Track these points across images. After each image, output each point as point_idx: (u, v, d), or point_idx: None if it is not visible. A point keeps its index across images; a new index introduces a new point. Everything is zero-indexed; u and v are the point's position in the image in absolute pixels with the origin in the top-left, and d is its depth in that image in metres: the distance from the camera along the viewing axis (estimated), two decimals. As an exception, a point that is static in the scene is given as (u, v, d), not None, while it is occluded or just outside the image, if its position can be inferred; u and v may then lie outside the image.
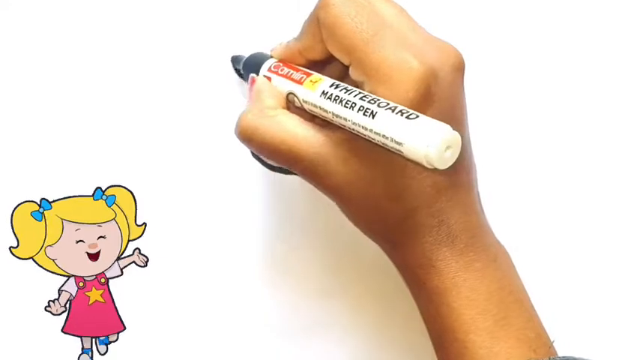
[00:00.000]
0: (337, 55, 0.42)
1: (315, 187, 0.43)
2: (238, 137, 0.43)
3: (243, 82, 0.51)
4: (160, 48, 0.53)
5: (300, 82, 0.43)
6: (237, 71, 0.52)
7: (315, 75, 0.44)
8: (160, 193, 0.53)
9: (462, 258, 0.41)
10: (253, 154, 0.53)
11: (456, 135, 0.38)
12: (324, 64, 0.45)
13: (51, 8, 0.52)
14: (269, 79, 0.46)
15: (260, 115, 0.43)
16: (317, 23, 0.42)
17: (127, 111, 0.53)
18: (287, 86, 0.44)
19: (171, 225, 0.53)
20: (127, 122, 0.53)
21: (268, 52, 0.48)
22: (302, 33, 0.44)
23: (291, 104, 0.45)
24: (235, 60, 0.52)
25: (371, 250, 0.49)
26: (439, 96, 0.39)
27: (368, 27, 0.40)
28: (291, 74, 0.44)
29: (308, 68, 0.45)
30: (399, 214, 0.41)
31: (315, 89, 0.42)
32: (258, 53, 0.48)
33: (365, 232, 0.44)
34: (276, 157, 0.43)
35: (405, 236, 0.42)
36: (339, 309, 0.54)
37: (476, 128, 0.44)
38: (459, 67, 0.41)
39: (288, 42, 0.46)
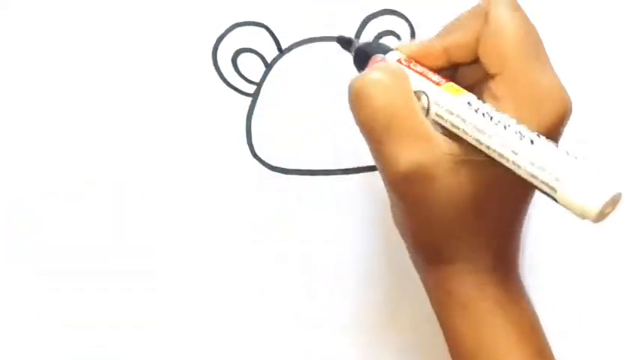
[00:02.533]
0: (487, 59, 0.40)
1: (386, 178, 0.40)
2: (355, 89, 0.39)
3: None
4: (163, 50, 0.53)
5: (437, 83, 0.40)
6: (342, 42, 0.47)
7: (455, 85, 0.40)
8: (163, 197, 0.53)
9: (502, 286, 0.41)
10: (254, 155, 0.53)
11: (621, 193, 0.35)
12: (452, 71, 0.42)
13: (51, 8, 0.52)
14: None
15: (392, 74, 0.39)
16: (483, 20, 0.40)
17: (130, 113, 0.53)
18: (419, 84, 0.40)
19: (175, 229, 0.53)
20: (130, 125, 0.53)
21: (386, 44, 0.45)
22: (453, 27, 0.42)
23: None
24: (344, 40, 0.47)
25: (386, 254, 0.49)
26: (562, 131, 0.40)
27: (534, 45, 0.40)
28: (427, 74, 0.41)
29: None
30: (468, 229, 0.40)
31: (459, 96, 0.39)
32: (375, 42, 0.45)
33: (411, 239, 0.42)
34: (374, 130, 0.39)
35: (456, 252, 0.41)
36: (347, 318, 0.54)
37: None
38: (570, 114, 0.41)
39: (423, 40, 0.43)
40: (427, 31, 0.54)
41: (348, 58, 0.54)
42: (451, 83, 0.40)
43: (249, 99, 0.54)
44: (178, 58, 0.53)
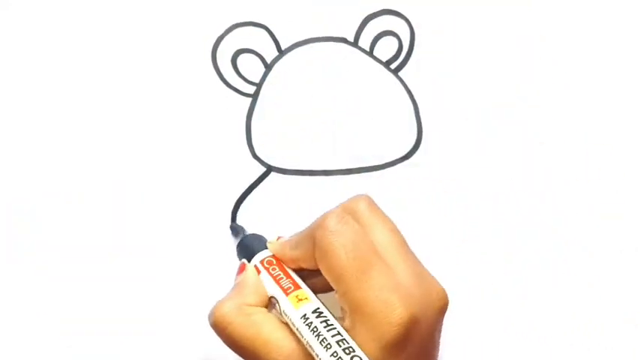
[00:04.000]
0: (326, 277, 0.42)
1: None
2: (210, 323, 0.44)
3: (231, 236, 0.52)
4: (163, 50, 0.53)
5: (286, 292, 0.43)
6: (232, 230, 0.52)
7: (303, 291, 0.43)
8: (163, 198, 0.53)
9: None
10: (254, 155, 0.53)
11: None
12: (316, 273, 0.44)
13: (51, 8, 0.52)
14: (259, 271, 0.45)
15: (237, 311, 0.43)
16: (312, 241, 0.42)
17: (130, 113, 0.53)
18: (273, 290, 0.44)
19: (175, 229, 0.53)
20: (130, 125, 0.53)
21: (266, 237, 0.47)
22: (297, 242, 0.44)
23: (272, 305, 0.44)
24: (234, 230, 0.52)
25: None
26: (416, 340, 0.40)
27: (359, 262, 0.40)
28: (280, 279, 0.44)
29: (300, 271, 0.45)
30: None
31: (299, 308, 0.42)
32: (256, 236, 0.48)
33: None
34: (243, 356, 0.43)
35: None
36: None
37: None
38: (442, 310, 0.42)
39: (284, 240, 0.46)
40: (427, 31, 0.54)
41: (347, 58, 0.54)
42: (297, 292, 0.43)
43: (249, 99, 0.54)
44: (178, 58, 0.53)
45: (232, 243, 0.52)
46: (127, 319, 0.52)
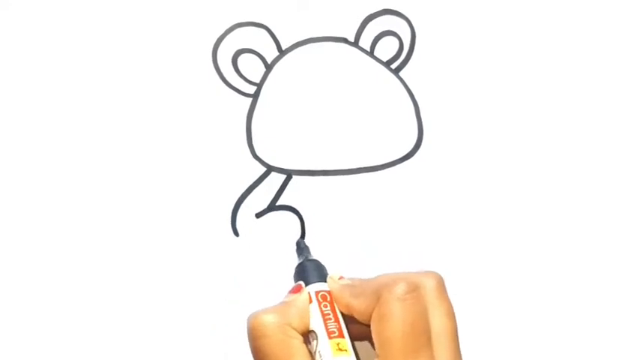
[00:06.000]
0: (373, 336, 0.42)
1: None
2: (247, 326, 0.43)
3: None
4: (163, 50, 0.53)
5: (329, 334, 0.43)
6: (297, 247, 0.50)
7: (345, 341, 0.43)
8: (163, 198, 0.53)
9: None
10: (254, 155, 0.53)
11: None
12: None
13: (51, 8, 0.53)
14: (310, 300, 0.45)
15: (278, 328, 0.43)
16: (375, 299, 0.42)
17: (130, 113, 0.53)
18: (317, 325, 0.43)
19: (175, 229, 0.53)
20: (130, 125, 0.53)
21: (327, 269, 0.47)
22: (359, 294, 0.44)
23: (309, 339, 0.44)
24: (299, 247, 0.50)
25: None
26: None
27: (411, 340, 0.40)
28: (329, 319, 0.44)
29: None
30: None
31: (335, 357, 0.42)
32: (318, 265, 0.47)
33: None
34: (264, 356, 0.43)
35: None
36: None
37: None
38: None
39: (346, 283, 0.45)
40: (427, 31, 0.54)
41: (347, 58, 0.55)
42: (340, 340, 0.42)
43: (250, 99, 0.54)
44: (178, 58, 0.53)
45: (236, 237, 0.52)
46: (127, 319, 0.52)
